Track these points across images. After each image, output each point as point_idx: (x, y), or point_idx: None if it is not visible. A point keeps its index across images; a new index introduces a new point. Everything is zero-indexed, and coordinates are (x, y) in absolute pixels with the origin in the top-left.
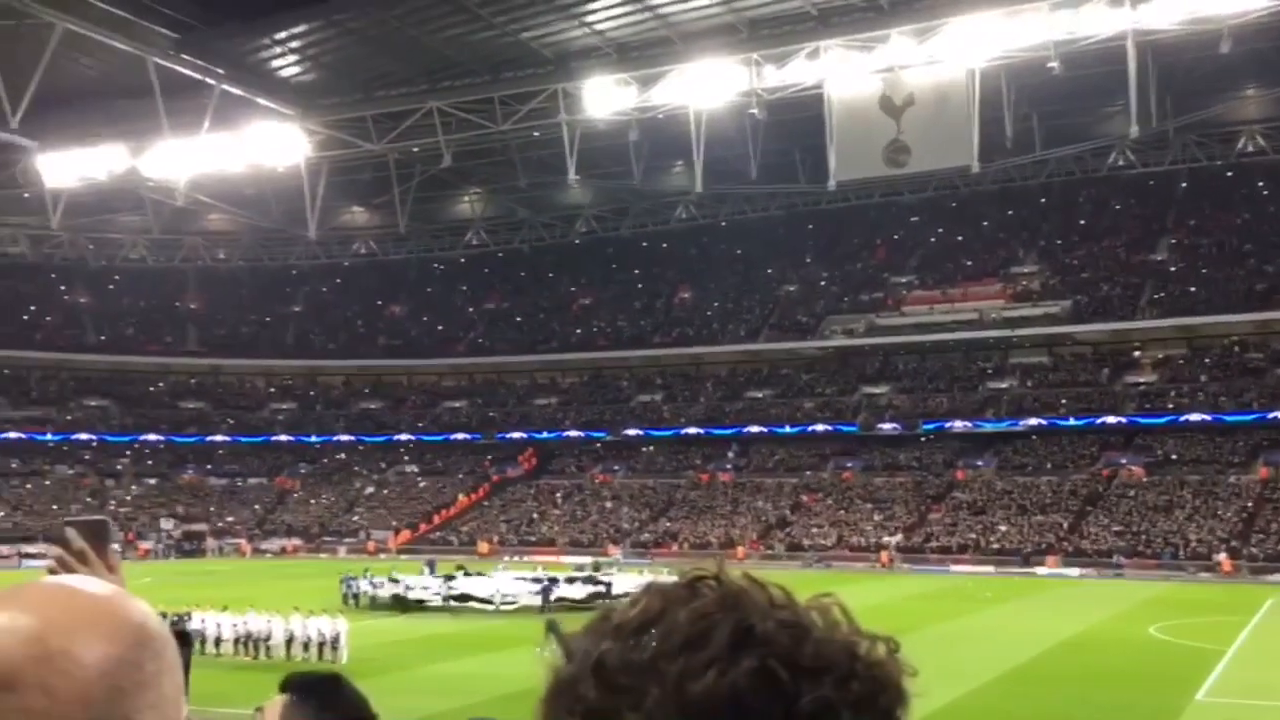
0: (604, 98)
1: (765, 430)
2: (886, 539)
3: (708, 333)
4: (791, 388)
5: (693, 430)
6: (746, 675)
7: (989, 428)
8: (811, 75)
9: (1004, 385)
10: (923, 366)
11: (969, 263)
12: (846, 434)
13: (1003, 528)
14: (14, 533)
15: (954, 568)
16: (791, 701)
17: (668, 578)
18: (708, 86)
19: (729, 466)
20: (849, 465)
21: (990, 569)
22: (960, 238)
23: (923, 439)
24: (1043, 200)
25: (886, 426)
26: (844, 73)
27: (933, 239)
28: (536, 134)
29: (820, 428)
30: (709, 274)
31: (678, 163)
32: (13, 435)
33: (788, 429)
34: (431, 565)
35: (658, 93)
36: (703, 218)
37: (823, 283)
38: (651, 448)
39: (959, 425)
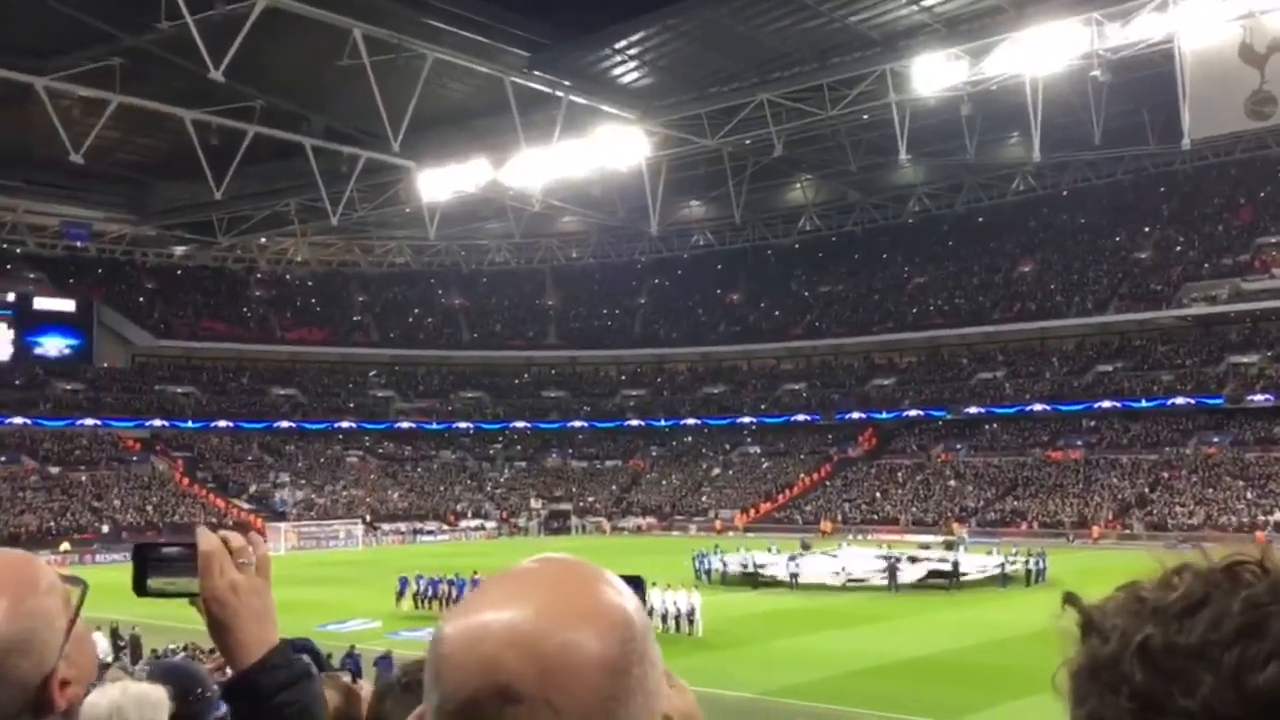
0: (933, 74)
1: (1118, 405)
2: (1262, 517)
3: (1051, 306)
4: (1146, 360)
5: (1038, 407)
6: None
7: None
8: (1160, 30)
9: None
10: None
11: None
12: (1211, 407)
13: None
14: (410, 512)
15: None
16: None
17: (1168, 558)
18: (1044, 52)
19: (1079, 443)
20: (1215, 440)
21: None
22: None
23: None
24: None
25: (1258, 398)
26: (1197, 23)
27: None
28: (866, 117)
29: (1180, 401)
30: (1051, 245)
31: (1013, 133)
32: (405, 425)
33: (1143, 403)
34: (805, 545)
35: (990, 64)
36: (1042, 188)
37: (1178, 248)
38: (995, 425)
39: None
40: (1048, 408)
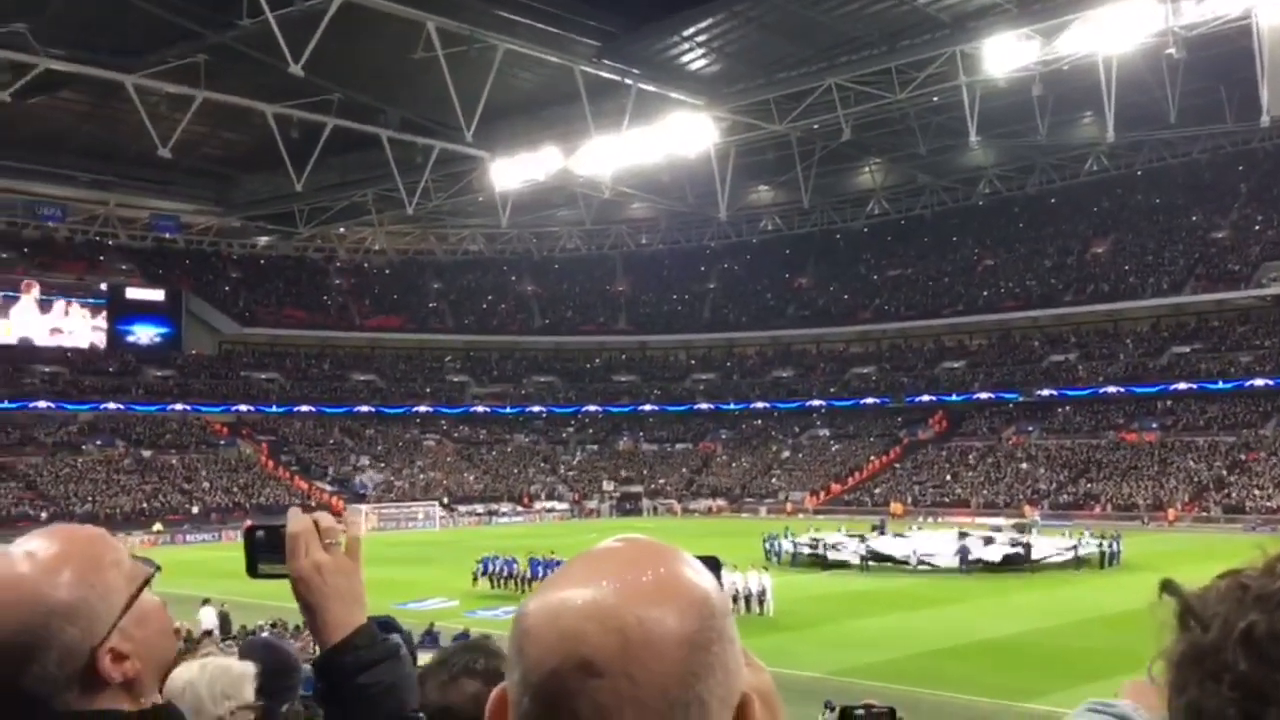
0: (1004, 55)
1: (1194, 387)
2: None
3: (1125, 287)
4: (1224, 341)
5: (1112, 389)
6: None
7: None
8: (1237, 5)
9: None
10: None
11: None
12: None
13: None
14: (485, 494)
15: None
16: None
17: (1270, 544)
18: (1118, 30)
19: (1154, 425)
20: None
21: None
22: None
23: None
24: None
25: None
26: None
27: None
28: (935, 99)
29: (1259, 382)
30: (1125, 226)
31: (1086, 113)
32: (480, 409)
33: (1220, 385)
34: (882, 527)
35: (1062, 43)
36: (1115, 168)
37: (1257, 227)
38: (1067, 408)
39: None
40: (1121, 390)
